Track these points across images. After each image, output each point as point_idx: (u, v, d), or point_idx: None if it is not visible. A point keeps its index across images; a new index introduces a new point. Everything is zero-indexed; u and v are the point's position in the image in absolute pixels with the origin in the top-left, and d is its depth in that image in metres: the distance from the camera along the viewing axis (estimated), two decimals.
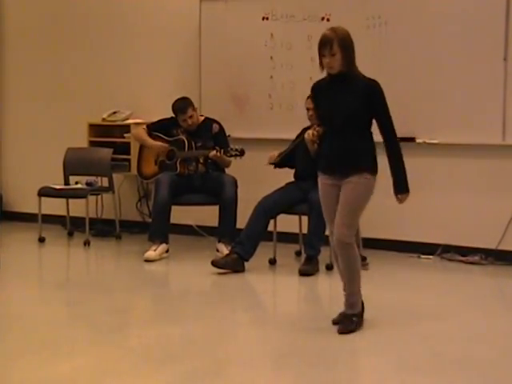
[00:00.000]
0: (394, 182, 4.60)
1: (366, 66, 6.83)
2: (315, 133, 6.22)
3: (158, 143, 7.02)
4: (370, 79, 4.52)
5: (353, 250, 4.52)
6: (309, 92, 6.47)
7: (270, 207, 6.24)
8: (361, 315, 4.63)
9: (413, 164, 6.84)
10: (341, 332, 4.48)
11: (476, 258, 6.55)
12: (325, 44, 4.43)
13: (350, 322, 4.55)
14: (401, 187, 4.62)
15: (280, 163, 6.44)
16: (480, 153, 6.62)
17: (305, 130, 6.48)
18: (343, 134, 4.48)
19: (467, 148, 6.64)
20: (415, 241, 6.87)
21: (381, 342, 4.44)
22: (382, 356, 4.18)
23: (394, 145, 4.64)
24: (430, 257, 6.72)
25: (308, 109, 6.37)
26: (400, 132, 6.77)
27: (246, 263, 6.17)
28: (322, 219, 6.08)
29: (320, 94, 4.61)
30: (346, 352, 4.35)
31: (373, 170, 4.55)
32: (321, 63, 4.50)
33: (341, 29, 4.51)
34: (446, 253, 6.71)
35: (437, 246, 6.76)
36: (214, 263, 6.07)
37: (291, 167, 6.50)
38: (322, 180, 4.60)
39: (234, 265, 6.09)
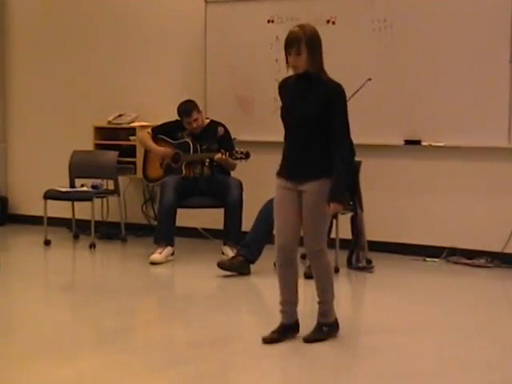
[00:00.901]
0: (330, 190, 4.24)
1: (371, 68, 6.89)
2: None
3: (162, 148, 7.03)
4: (334, 82, 4.31)
5: (325, 257, 4.36)
6: None
7: (272, 210, 6.23)
8: (335, 325, 4.47)
9: (418, 167, 6.92)
10: (307, 340, 4.35)
11: (482, 261, 6.54)
12: (291, 42, 4.22)
13: (320, 331, 4.41)
14: (335, 196, 4.23)
15: None
16: (486, 156, 6.61)
17: None
18: (300, 136, 4.29)
19: (473, 151, 6.63)
20: (421, 244, 6.86)
21: (384, 345, 4.43)
22: (386, 360, 4.17)
23: (344, 154, 4.28)
24: (436, 260, 6.71)
25: None
26: (405, 135, 6.85)
27: (251, 266, 6.17)
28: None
29: (285, 91, 4.42)
30: (350, 356, 4.35)
31: (330, 173, 4.25)
32: (287, 61, 4.29)
33: (309, 27, 4.32)
34: (451, 256, 6.70)
35: (442, 248, 6.74)
36: (220, 265, 6.07)
37: None
38: (279, 183, 4.37)
39: (239, 267, 6.09)
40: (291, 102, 4.33)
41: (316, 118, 4.24)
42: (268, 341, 4.32)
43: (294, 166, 4.31)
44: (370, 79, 6.35)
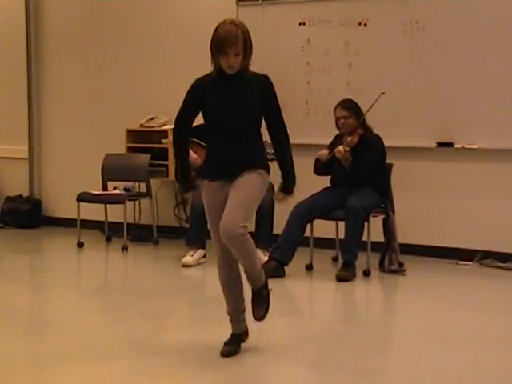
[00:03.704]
0: (284, 181, 4.22)
1: (403, 70, 6.85)
2: (346, 148, 6.21)
3: (193, 154, 7.04)
4: (261, 74, 4.12)
5: (247, 239, 3.99)
6: (345, 97, 6.55)
7: (305, 212, 6.23)
8: (266, 284, 4.23)
9: (451, 169, 6.86)
10: (260, 317, 4.17)
11: None
12: (231, 42, 3.90)
13: (261, 298, 4.19)
14: (286, 187, 4.22)
15: (324, 169, 6.41)
16: None
17: (337, 137, 6.47)
18: (237, 137, 4.04)
19: (506, 153, 6.57)
20: (453, 247, 6.80)
21: (417, 349, 4.40)
22: (419, 363, 4.14)
23: (287, 144, 4.22)
24: (469, 263, 6.65)
25: (339, 118, 6.36)
26: (438, 137, 6.81)
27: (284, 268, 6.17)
28: (359, 224, 6.12)
29: (205, 93, 4.05)
30: (383, 358, 4.33)
31: (265, 167, 4.16)
32: (215, 61, 3.98)
33: (244, 25, 4.01)
34: (484, 259, 6.63)
35: (475, 252, 6.68)
36: None
37: (328, 174, 6.49)
38: (209, 186, 4.12)
39: (273, 271, 6.07)
40: (225, 105, 4.01)
41: (257, 116, 4.08)
42: (226, 355, 4.15)
43: (230, 165, 4.06)
44: (383, 93, 6.24)
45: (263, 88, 4.09)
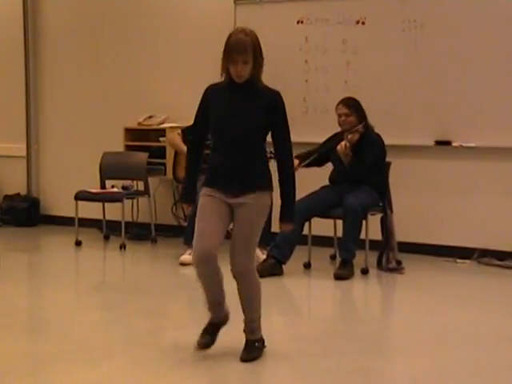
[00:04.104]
0: (282, 209, 4.12)
1: (401, 69, 6.86)
2: (348, 144, 6.23)
3: None
4: (272, 89, 4.07)
5: (254, 276, 4.10)
6: (343, 95, 6.57)
7: (304, 210, 6.23)
8: (263, 339, 4.19)
9: (449, 168, 6.87)
10: (244, 359, 4.06)
11: None
12: (240, 50, 3.89)
13: (253, 348, 4.13)
14: (289, 216, 4.16)
15: (304, 166, 6.45)
16: None
17: (336, 135, 6.47)
18: (239, 148, 3.98)
19: (504, 151, 6.58)
20: (451, 245, 6.82)
21: (415, 347, 4.41)
22: (416, 361, 4.15)
23: (291, 166, 4.16)
24: (467, 261, 6.66)
25: (340, 115, 6.38)
26: (436, 135, 6.81)
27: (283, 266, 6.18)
28: (357, 223, 6.13)
29: (214, 100, 4.05)
30: (380, 357, 4.33)
31: (269, 187, 4.09)
32: (225, 68, 3.98)
33: (254, 33, 3.99)
34: (482, 257, 6.64)
35: (473, 250, 6.69)
36: None
37: (319, 165, 6.51)
38: (208, 192, 4.03)
39: (272, 269, 6.09)
40: (229, 113, 3.99)
41: (259, 129, 4.02)
42: (203, 347, 4.14)
43: (231, 179, 4.00)
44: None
45: (271, 102, 4.03)
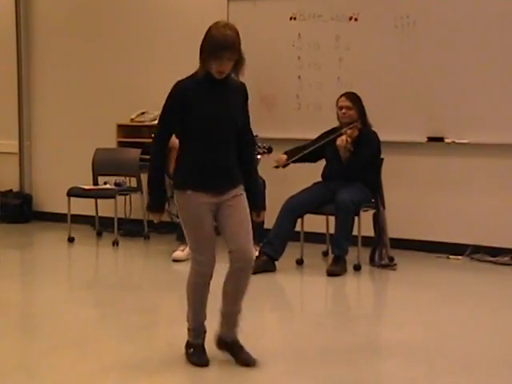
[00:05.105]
0: (255, 200, 4.02)
1: (394, 65, 6.86)
2: (349, 139, 6.22)
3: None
4: (238, 81, 3.91)
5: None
6: (336, 92, 6.57)
7: (296, 206, 6.24)
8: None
9: (441, 164, 6.88)
10: (250, 362, 3.96)
11: (506, 259, 6.49)
12: (227, 47, 3.71)
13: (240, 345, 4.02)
14: (261, 204, 4.12)
15: (294, 161, 6.45)
16: (510, 153, 6.56)
17: (334, 129, 6.46)
18: (227, 145, 3.87)
19: (497, 147, 6.59)
20: (444, 241, 6.82)
21: (408, 343, 4.41)
22: (408, 356, 4.16)
23: (255, 156, 4.04)
24: (460, 257, 6.67)
25: (341, 107, 6.36)
26: (429, 132, 6.82)
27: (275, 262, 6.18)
28: (349, 219, 6.13)
29: (192, 97, 3.81)
30: (373, 353, 4.34)
31: (241, 179, 3.98)
32: (205, 63, 3.78)
33: (236, 29, 3.80)
34: (475, 253, 6.66)
35: (466, 246, 6.70)
36: None
37: (313, 161, 6.51)
38: (196, 198, 3.83)
39: (264, 266, 6.09)
40: (216, 111, 3.82)
41: (238, 125, 3.91)
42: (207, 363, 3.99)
43: (220, 178, 3.87)
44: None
45: (244, 93, 3.95)
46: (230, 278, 3.98)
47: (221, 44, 3.71)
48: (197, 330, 4.03)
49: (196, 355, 4.01)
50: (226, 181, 3.90)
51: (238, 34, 3.78)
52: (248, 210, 3.96)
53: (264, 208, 4.14)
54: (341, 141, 6.22)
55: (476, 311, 5.13)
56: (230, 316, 4.02)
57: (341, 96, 6.44)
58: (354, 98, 6.39)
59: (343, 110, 6.36)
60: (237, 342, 4.04)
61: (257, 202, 4.05)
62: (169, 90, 3.94)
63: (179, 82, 3.89)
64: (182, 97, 3.82)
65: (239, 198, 3.93)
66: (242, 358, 3.98)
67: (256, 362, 3.97)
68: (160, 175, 3.96)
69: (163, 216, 4.10)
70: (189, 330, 4.05)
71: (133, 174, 7.63)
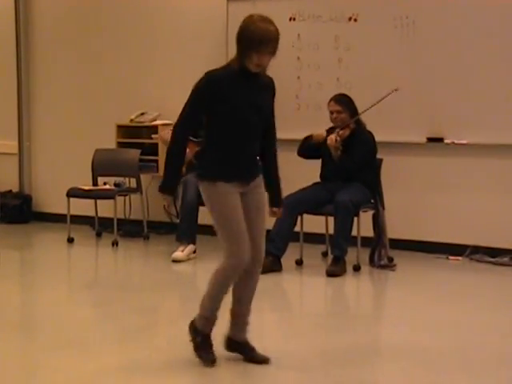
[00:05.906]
0: (276, 196, 4.08)
1: (393, 65, 6.86)
2: (338, 138, 6.23)
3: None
4: (268, 76, 3.98)
5: None
6: (336, 92, 6.57)
7: (295, 204, 6.22)
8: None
9: (441, 164, 6.88)
10: (264, 359, 4.01)
11: (505, 260, 6.49)
12: (270, 41, 3.79)
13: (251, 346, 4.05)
14: (281, 201, 4.12)
15: (308, 151, 6.45)
16: (510, 153, 6.56)
17: (331, 129, 6.47)
18: (255, 137, 3.90)
19: (496, 148, 6.59)
20: (443, 242, 6.82)
21: (407, 343, 4.41)
22: (408, 356, 4.16)
23: (276, 153, 4.08)
24: (459, 258, 6.67)
25: (332, 111, 6.38)
26: (428, 132, 6.82)
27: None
28: (348, 220, 6.13)
29: (225, 90, 3.80)
30: (373, 353, 4.34)
31: (260, 169, 4.05)
32: (243, 56, 3.81)
33: (274, 23, 3.90)
34: (474, 254, 6.66)
35: (465, 247, 6.70)
36: None
37: (308, 158, 6.53)
38: (227, 189, 3.83)
39: (272, 266, 6.06)
40: (250, 104, 3.83)
41: (269, 118, 3.96)
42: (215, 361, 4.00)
43: (246, 167, 3.91)
44: (396, 89, 6.27)
45: (273, 88, 3.99)
46: (243, 279, 3.98)
47: (265, 37, 3.77)
48: (209, 319, 4.02)
49: (204, 350, 3.99)
50: (253, 170, 3.94)
51: (277, 28, 3.85)
52: (265, 202, 3.97)
53: (280, 205, 4.12)
54: (330, 140, 6.23)
55: (475, 312, 5.13)
56: (242, 316, 4.05)
57: (330, 100, 6.43)
58: (343, 101, 6.38)
59: (334, 115, 6.36)
60: (248, 342, 4.05)
61: (278, 199, 4.08)
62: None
63: (210, 72, 3.88)
64: (215, 87, 3.81)
65: (258, 190, 3.94)
66: (256, 357, 4.00)
67: (270, 359, 3.98)
68: (180, 160, 4.00)
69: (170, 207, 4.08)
70: (200, 316, 4.04)
71: (132, 175, 7.63)
